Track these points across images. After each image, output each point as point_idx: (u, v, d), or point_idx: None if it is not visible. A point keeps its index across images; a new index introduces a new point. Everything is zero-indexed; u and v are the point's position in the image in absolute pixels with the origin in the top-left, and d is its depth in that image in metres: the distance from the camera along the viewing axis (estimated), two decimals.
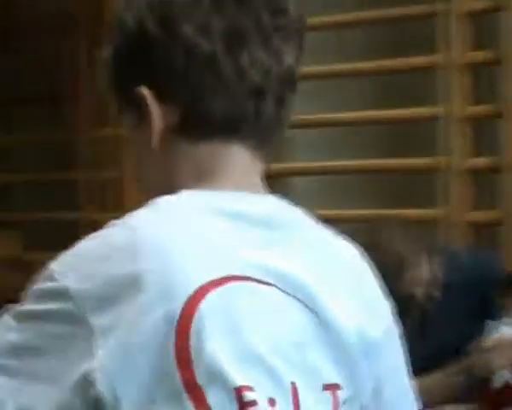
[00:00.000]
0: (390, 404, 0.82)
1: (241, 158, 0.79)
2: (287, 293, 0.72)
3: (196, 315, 0.67)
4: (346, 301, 0.76)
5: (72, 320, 0.68)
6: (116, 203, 4.51)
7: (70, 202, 4.97)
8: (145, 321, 0.66)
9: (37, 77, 5.14)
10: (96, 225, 0.80)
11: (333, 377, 0.73)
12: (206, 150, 0.79)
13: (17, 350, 0.71)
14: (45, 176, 5.17)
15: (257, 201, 0.78)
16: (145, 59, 0.79)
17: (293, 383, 0.70)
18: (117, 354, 0.67)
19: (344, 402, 0.74)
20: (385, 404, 0.81)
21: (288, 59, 0.79)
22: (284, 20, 0.79)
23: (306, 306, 0.73)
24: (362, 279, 0.81)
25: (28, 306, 0.73)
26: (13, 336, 0.71)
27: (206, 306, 0.68)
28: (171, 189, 0.77)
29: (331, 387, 0.73)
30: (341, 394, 0.73)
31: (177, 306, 0.67)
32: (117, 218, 0.76)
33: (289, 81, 0.80)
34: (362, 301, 0.78)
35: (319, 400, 0.72)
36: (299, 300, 0.73)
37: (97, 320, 0.67)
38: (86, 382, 0.66)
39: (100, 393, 0.65)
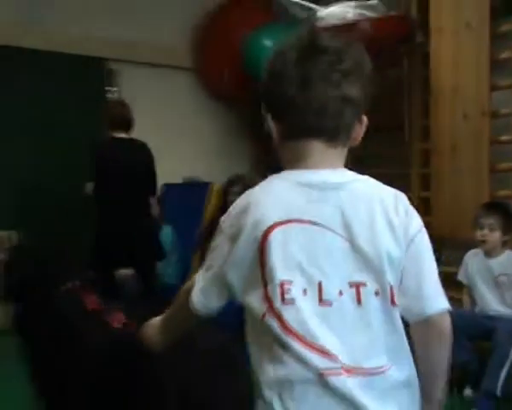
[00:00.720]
0: (408, 291, 1.41)
1: (317, 148, 1.44)
2: (329, 229, 1.37)
3: (268, 241, 1.36)
4: (373, 232, 1.37)
5: (223, 239, 1.49)
6: None
7: None
8: (244, 241, 1.40)
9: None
10: None
11: (358, 278, 1.36)
12: (297, 145, 1.47)
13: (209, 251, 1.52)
14: None
15: (323, 173, 1.42)
16: (268, 99, 1.50)
17: (320, 282, 1.35)
18: (230, 258, 1.45)
19: (376, 293, 1.36)
20: (404, 290, 1.41)
21: (347, 88, 1.40)
22: (342, 66, 1.41)
23: (342, 236, 1.37)
24: (387, 215, 1.40)
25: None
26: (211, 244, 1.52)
27: (273, 236, 1.36)
28: (284, 168, 1.48)
29: (356, 284, 1.35)
30: (365, 288, 1.35)
31: (260, 234, 1.37)
32: None
33: (348, 101, 1.41)
34: (386, 231, 1.39)
35: (344, 291, 1.35)
36: (338, 234, 1.37)
37: (229, 231, 1.47)
38: (222, 271, 1.47)
39: (227, 279, 1.47)
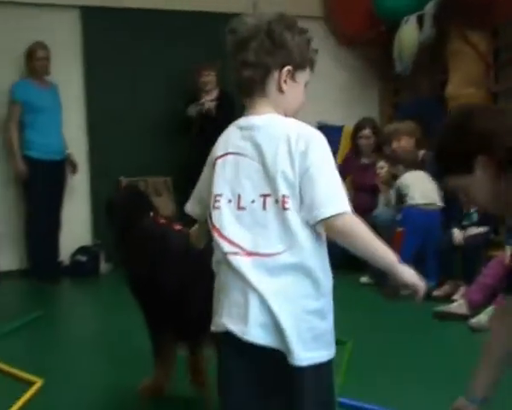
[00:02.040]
0: (304, 206, 1.79)
1: (248, 101, 1.94)
2: (249, 157, 1.86)
3: (214, 167, 1.91)
4: (277, 157, 1.81)
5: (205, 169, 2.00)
6: None
7: None
8: (207, 169, 2.00)
9: None
10: None
11: (265, 191, 1.82)
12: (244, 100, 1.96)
13: None
14: None
15: (250, 118, 1.91)
16: None
17: (239, 194, 1.84)
18: (202, 181, 2.04)
19: (276, 201, 1.80)
20: (302, 206, 1.80)
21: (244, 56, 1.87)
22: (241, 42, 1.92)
23: (258, 162, 1.84)
24: (289, 147, 1.82)
25: None
26: None
27: (217, 164, 1.90)
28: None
29: (264, 195, 1.82)
30: (269, 198, 1.81)
31: (211, 163, 1.95)
32: None
33: (246, 65, 1.89)
34: (285, 158, 1.81)
35: (256, 200, 1.82)
36: (255, 160, 1.85)
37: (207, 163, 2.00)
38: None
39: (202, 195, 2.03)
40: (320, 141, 1.86)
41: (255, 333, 1.79)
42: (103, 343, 4.46)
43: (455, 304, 4.83)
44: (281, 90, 1.91)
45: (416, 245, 5.43)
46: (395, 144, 6.16)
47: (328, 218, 1.77)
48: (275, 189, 1.80)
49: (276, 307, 1.78)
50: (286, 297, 1.79)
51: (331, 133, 7.51)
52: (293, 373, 1.81)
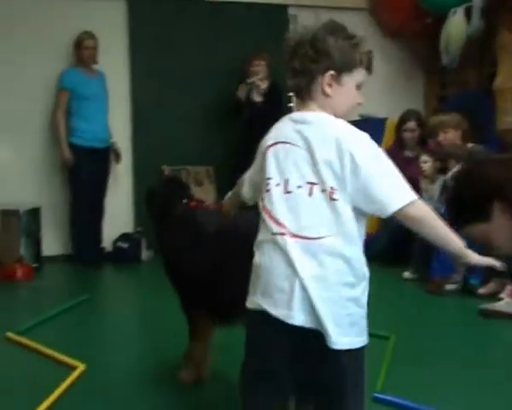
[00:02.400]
0: (369, 203, 1.92)
1: (299, 102, 2.09)
2: (299, 147, 1.98)
3: (266, 154, 2.07)
4: (325, 151, 1.93)
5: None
6: None
7: None
8: (259, 155, 2.15)
9: None
10: None
11: (312, 179, 1.93)
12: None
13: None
14: None
15: (303, 113, 2.04)
16: None
17: (287, 179, 1.98)
18: (256, 167, 2.22)
19: (322, 191, 1.92)
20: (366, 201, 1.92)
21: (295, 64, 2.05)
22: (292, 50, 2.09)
23: (306, 151, 1.96)
24: (338, 143, 1.93)
25: None
26: None
27: (269, 152, 2.06)
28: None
29: (310, 183, 1.93)
30: (316, 186, 1.92)
31: (264, 149, 2.09)
32: None
33: (298, 72, 2.07)
34: (334, 153, 1.92)
35: (302, 186, 1.94)
36: (304, 149, 1.97)
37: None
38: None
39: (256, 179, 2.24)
40: (367, 141, 1.98)
41: (299, 318, 1.91)
42: (144, 329, 4.53)
43: (501, 302, 4.76)
44: (326, 94, 2.03)
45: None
46: (441, 137, 6.08)
47: (401, 209, 1.90)
48: (322, 179, 1.92)
49: (315, 294, 1.89)
50: (325, 284, 1.90)
51: (374, 126, 7.52)
52: (330, 355, 1.91)
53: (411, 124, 6.86)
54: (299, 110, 2.10)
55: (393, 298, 5.34)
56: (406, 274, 5.92)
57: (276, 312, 1.93)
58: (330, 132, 1.97)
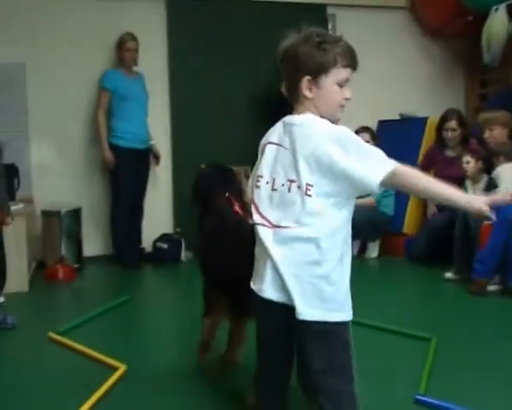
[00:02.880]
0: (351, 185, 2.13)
1: (292, 105, 2.33)
2: (285, 148, 2.25)
3: (262, 153, 2.38)
4: (304, 150, 2.16)
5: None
6: None
7: None
8: (259, 152, 2.42)
9: None
10: None
11: (292, 177, 2.20)
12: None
13: None
14: None
15: (292, 116, 2.30)
16: None
17: (274, 178, 2.27)
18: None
19: (298, 187, 2.17)
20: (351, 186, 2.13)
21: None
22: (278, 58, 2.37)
23: (291, 152, 2.22)
24: (316, 142, 2.15)
25: None
26: None
27: (264, 152, 2.35)
28: None
29: (290, 180, 2.20)
30: (294, 183, 2.19)
31: (262, 148, 2.39)
32: None
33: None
34: (312, 150, 2.14)
35: (284, 183, 2.22)
36: (288, 150, 2.24)
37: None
38: None
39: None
40: (342, 132, 2.17)
41: (269, 291, 2.24)
42: (184, 329, 4.53)
43: None
44: (307, 98, 2.25)
45: (505, 239, 5.27)
46: (487, 133, 6.01)
47: (383, 180, 2.08)
48: (299, 177, 2.17)
49: (283, 270, 2.18)
50: (292, 262, 2.18)
51: (415, 125, 7.50)
52: (299, 326, 2.18)
53: (452, 123, 6.77)
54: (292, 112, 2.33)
55: (435, 299, 5.29)
56: (448, 275, 5.85)
57: (255, 286, 2.32)
58: (311, 132, 2.19)
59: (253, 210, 2.33)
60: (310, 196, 2.16)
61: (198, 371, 3.60)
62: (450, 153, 6.78)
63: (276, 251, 2.21)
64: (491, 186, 5.60)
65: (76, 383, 3.51)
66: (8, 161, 6.27)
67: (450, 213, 6.09)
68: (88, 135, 7.13)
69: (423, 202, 7.02)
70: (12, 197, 6.06)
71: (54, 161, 7.08)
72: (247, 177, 7.17)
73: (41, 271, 6.46)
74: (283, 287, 2.19)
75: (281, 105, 7.04)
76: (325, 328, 2.17)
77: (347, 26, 7.65)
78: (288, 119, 2.32)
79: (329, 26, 8.02)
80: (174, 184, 7.43)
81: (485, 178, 5.90)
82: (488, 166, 5.90)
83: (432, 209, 6.80)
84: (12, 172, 6.36)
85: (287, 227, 2.19)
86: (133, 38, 6.87)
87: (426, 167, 7.03)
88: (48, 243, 6.70)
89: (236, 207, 3.35)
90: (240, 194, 3.60)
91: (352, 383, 2.23)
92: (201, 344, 3.65)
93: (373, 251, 7.05)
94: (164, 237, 7.20)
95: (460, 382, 3.41)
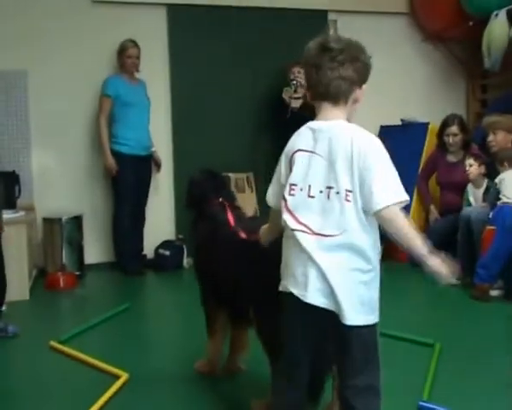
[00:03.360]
0: (364, 196, 2.19)
1: (324, 107, 2.32)
2: (319, 155, 2.27)
3: (291, 161, 2.35)
4: (341, 157, 2.21)
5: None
6: None
7: None
8: (284, 161, 2.41)
9: None
10: None
11: (330, 184, 2.23)
12: (316, 104, 2.36)
13: None
14: None
15: (322, 122, 2.31)
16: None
17: (310, 185, 2.28)
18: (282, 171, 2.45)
19: (337, 193, 2.22)
20: (362, 196, 2.19)
21: (342, 71, 2.26)
22: (339, 58, 2.25)
23: (325, 160, 2.25)
24: (351, 149, 2.20)
25: None
26: None
27: (294, 160, 2.34)
28: None
29: (328, 187, 2.23)
30: (332, 190, 2.22)
31: (290, 155, 2.37)
32: None
33: (343, 79, 2.27)
34: (348, 159, 2.20)
35: (323, 190, 2.24)
36: (323, 158, 2.26)
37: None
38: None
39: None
40: (377, 143, 2.26)
41: (313, 297, 2.26)
42: (187, 336, 4.53)
43: None
44: (354, 104, 2.39)
45: (508, 246, 5.25)
46: (491, 137, 5.99)
47: (379, 210, 2.19)
48: (338, 183, 2.22)
49: (331, 278, 2.22)
50: (340, 270, 2.23)
51: (416, 130, 7.48)
52: (345, 331, 2.25)
53: (453, 128, 6.75)
54: (317, 117, 2.37)
55: (437, 304, 5.27)
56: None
57: (296, 291, 2.31)
58: (346, 139, 2.25)
59: (288, 217, 2.33)
60: (349, 201, 2.22)
61: (201, 379, 3.58)
62: (451, 158, 6.77)
63: (322, 258, 2.24)
64: (495, 192, 5.59)
65: (78, 392, 3.50)
66: (9, 168, 6.28)
67: (453, 218, 6.08)
68: (90, 142, 7.13)
69: (425, 208, 7.01)
70: (13, 205, 6.06)
71: (55, 169, 7.07)
72: (249, 183, 7.20)
73: (42, 278, 6.44)
74: (331, 293, 2.24)
75: (281, 111, 7.08)
76: (365, 331, 2.28)
77: (348, 32, 7.57)
78: (317, 125, 2.34)
79: (331, 32, 8.01)
80: (176, 190, 7.41)
81: (485, 183, 5.88)
82: (490, 172, 5.88)
83: (434, 215, 6.80)
84: (12, 179, 6.36)
85: (331, 235, 2.23)
86: (135, 44, 6.87)
87: (428, 173, 7.04)
88: (49, 250, 6.69)
89: (229, 214, 3.31)
90: (232, 198, 3.65)
91: (380, 380, 2.37)
92: (209, 363, 3.65)
93: None
94: (166, 244, 7.19)
95: (463, 388, 3.40)
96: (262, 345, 2.99)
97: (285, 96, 7.13)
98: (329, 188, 2.25)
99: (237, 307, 3.27)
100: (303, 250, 2.27)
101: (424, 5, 8.00)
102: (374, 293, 2.32)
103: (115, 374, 3.61)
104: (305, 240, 2.27)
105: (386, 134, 7.61)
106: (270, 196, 2.52)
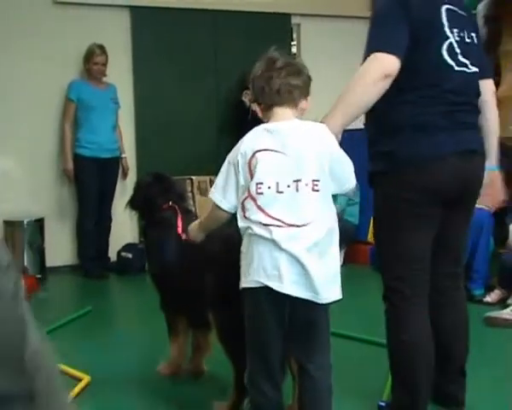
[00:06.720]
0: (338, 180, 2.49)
1: (277, 111, 2.52)
2: (281, 153, 2.41)
3: (253, 159, 2.43)
4: (305, 150, 2.41)
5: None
6: None
7: None
8: (240, 160, 2.48)
9: None
10: None
11: (297, 177, 2.39)
12: (268, 112, 2.55)
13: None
14: None
15: (279, 123, 2.49)
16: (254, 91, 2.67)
17: (277, 182, 2.40)
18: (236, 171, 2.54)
19: (305, 185, 2.40)
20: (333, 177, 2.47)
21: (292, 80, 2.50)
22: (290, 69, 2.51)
23: (288, 156, 2.41)
24: (314, 141, 2.45)
25: None
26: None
27: (257, 158, 2.41)
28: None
29: (296, 180, 2.39)
30: (300, 182, 2.39)
31: (249, 156, 2.44)
32: None
33: (293, 86, 2.51)
34: (313, 150, 2.41)
35: (290, 184, 2.39)
36: (286, 155, 2.41)
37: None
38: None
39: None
40: (329, 132, 2.52)
41: (289, 287, 2.37)
42: (149, 339, 4.52)
43: (508, 310, 4.74)
44: (302, 110, 2.59)
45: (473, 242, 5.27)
46: None
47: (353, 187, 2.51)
48: (305, 175, 2.38)
49: (307, 262, 2.35)
50: (315, 255, 2.38)
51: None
52: (317, 310, 2.46)
53: None
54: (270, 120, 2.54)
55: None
56: None
57: (272, 283, 2.38)
58: (305, 133, 2.47)
59: (260, 214, 2.40)
60: (318, 190, 2.40)
61: (163, 382, 3.59)
62: None
63: (297, 247, 2.35)
64: None
65: None
66: None
67: None
68: (53, 145, 7.07)
69: None
70: None
71: (16, 171, 6.97)
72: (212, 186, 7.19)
73: None
74: (305, 279, 2.37)
75: (242, 114, 7.07)
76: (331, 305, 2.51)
77: (312, 36, 7.78)
78: (272, 126, 2.48)
79: (294, 36, 8.06)
80: None
81: None
82: None
83: None
84: None
85: (303, 225, 2.37)
86: (102, 51, 6.84)
87: None
88: (10, 253, 6.58)
89: (179, 219, 3.32)
90: (182, 201, 3.63)
91: None
92: (171, 365, 3.66)
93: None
94: (128, 247, 7.16)
95: None
96: (223, 349, 3.01)
97: (245, 98, 7.18)
98: (297, 181, 2.38)
99: (195, 312, 3.29)
100: (276, 243, 2.36)
101: None
102: (338, 267, 2.51)
103: (77, 377, 3.60)
104: (278, 233, 2.36)
105: (349, 138, 7.63)
106: (222, 200, 2.56)
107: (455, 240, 3.01)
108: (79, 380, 3.54)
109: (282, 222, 2.37)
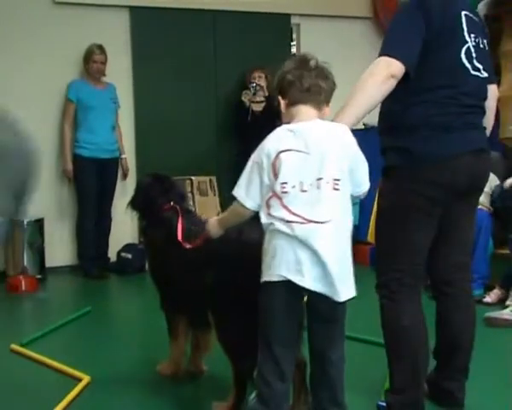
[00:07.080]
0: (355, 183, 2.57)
1: (302, 110, 2.56)
2: (304, 152, 2.45)
3: (277, 160, 2.45)
4: (327, 151, 2.45)
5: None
6: None
7: None
8: (264, 160, 2.50)
9: None
10: None
11: (319, 175, 2.43)
12: (292, 109, 2.58)
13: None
14: None
15: (302, 123, 2.53)
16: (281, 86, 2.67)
17: (301, 181, 2.43)
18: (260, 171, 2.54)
19: (327, 183, 2.43)
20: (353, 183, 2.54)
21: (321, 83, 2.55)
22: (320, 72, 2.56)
23: (311, 155, 2.45)
24: (336, 142, 2.50)
25: None
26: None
27: (281, 158, 2.45)
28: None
29: (318, 179, 2.42)
30: (322, 180, 2.43)
31: (273, 156, 2.47)
32: None
33: (321, 88, 2.56)
34: (335, 150, 2.47)
35: (313, 183, 2.43)
36: (308, 154, 2.45)
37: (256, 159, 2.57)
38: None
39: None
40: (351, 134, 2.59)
41: (311, 282, 2.42)
42: (148, 339, 4.52)
43: (507, 310, 4.73)
44: (324, 114, 2.64)
45: None
46: None
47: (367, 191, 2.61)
48: (326, 174, 2.43)
49: (327, 259, 2.40)
50: (335, 251, 2.43)
51: (375, 135, 7.50)
52: (335, 308, 2.52)
53: None
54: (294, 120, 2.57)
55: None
56: None
57: (293, 277, 2.42)
58: (327, 133, 2.51)
59: (282, 211, 2.45)
60: (338, 189, 2.46)
61: (163, 382, 3.58)
62: None
63: (318, 242, 2.40)
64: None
65: (39, 395, 3.47)
66: None
67: None
68: (52, 144, 7.07)
69: None
70: None
71: None
72: (212, 187, 7.20)
73: (2, 282, 6.39)
74: (325, 276, 2.42)
75: (242, 114, 7.10)
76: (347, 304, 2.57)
77: (311, 36, 7.76)
78: (296, 127, 2.53)
79: (293, 36, 8.06)
80: None
81: None
82: None
83: None
84: None
85: (324, 222, 2.41)
86: (101, 50, 6.85)
87: None
88: (10, 253, 6.62)
89: (180, 220, 3.28)
90: (183, 201, 3.60)
91: None
92: (171, 365, 3.64)
93: None
94: (128, 247, 7.16)
95: None
96: (223, 349, 3.01)
97: (244, 99, 7.19)
98: (319, 179, 2.43)
99: (195, 312, 3.28)
100: (298, 239, 2.41)
101: (387, 9, 8.05)
102: (352, 265, 2.58)
103: (77, 377, 3.60)
104: (300, 229, 2.40)
105: None
106: (246, 198, 2.57)
107: (463, 231, 3.10)
108: (79, 380, 3.54)
109: (303, 218, 2.41)
